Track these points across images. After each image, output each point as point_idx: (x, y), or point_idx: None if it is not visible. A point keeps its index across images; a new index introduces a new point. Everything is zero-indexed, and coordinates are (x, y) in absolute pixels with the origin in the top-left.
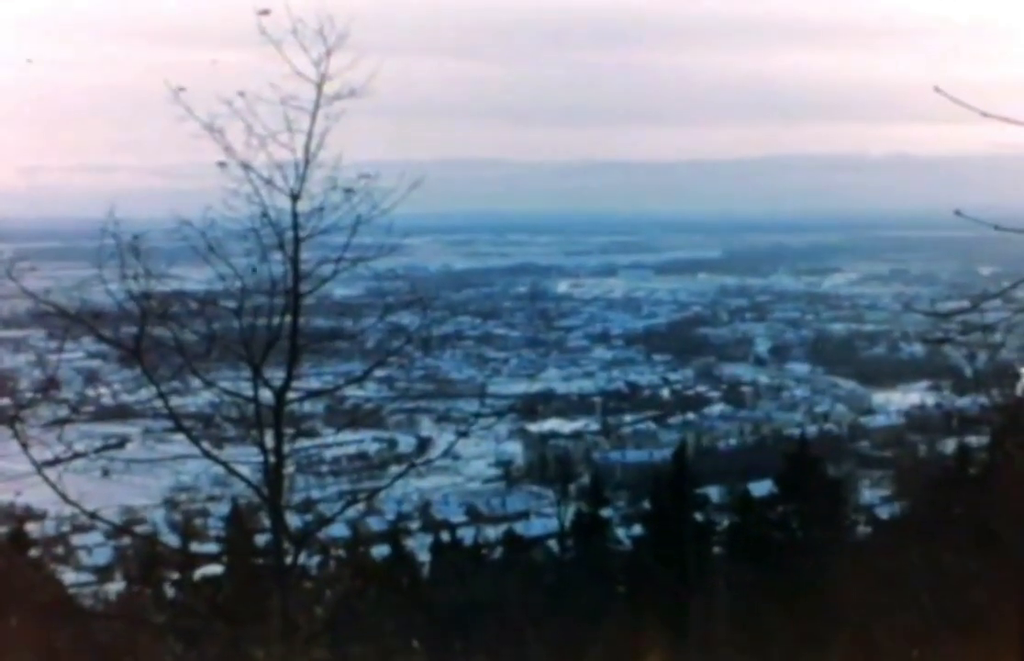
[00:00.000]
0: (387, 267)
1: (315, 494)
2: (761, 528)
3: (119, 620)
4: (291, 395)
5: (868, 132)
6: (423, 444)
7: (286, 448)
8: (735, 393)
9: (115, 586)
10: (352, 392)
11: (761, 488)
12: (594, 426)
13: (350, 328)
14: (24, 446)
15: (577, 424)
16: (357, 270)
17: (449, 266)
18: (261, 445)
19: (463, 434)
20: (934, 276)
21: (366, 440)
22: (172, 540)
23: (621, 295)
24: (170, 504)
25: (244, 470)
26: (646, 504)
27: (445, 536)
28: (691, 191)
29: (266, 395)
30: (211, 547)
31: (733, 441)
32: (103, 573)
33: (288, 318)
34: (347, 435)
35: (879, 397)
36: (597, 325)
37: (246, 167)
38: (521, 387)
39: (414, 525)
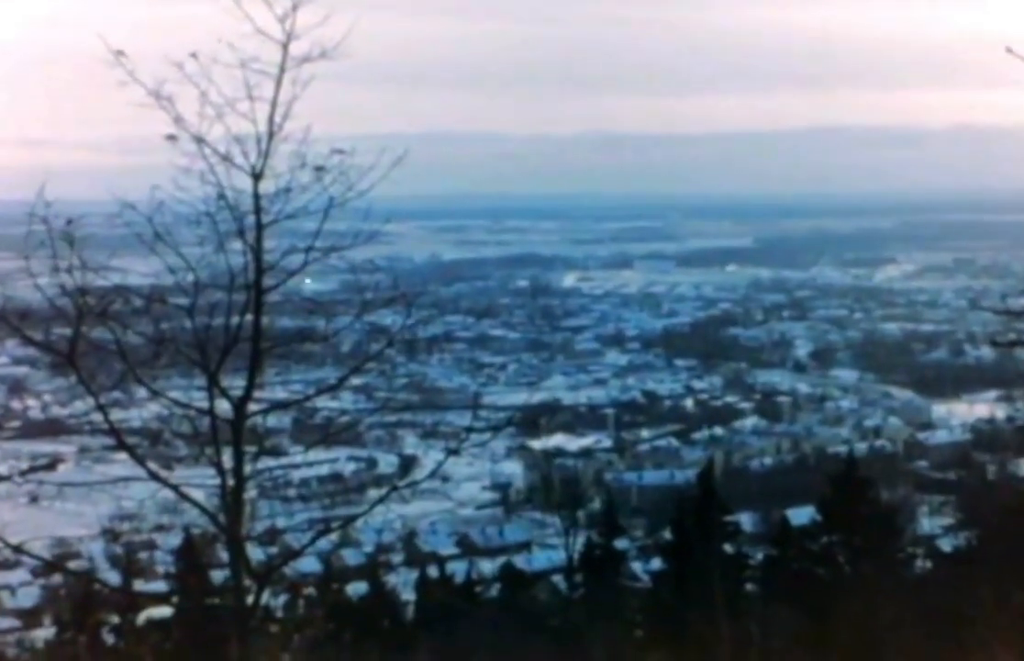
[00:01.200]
0: (365, 258)
1: (281, 522)
2: (802, 562)
3: None
4: (253, 407)
5: (928, 100)
6: (407, 464)
7: (247, 469)
8: (770, 404)
9: (43, 632)
10: (324, 403)
11: (801, 516)
12: (606, 442)
13: (322, 329)
14: None
15: (586, 440)
16: (330, 261)
17: (437, 256)
18: (218, 465)
19: (454, 452)
20: (1005, 268)
21: (340, 459)
22: (112, 578)
23: (637, 290)
24: (110, 535)
25: (198, 495)
26: (667, 534)
27: (433, 571)
28: (719, 169)
29: (223, 407)
30: (158, 586)
31: (768, 460)
32: (29, 617)
33: (249, 317)
34: (318, 453)
35: (940, 409)
36: (609, 325)
37: (199, 141)
38: (521, 397)
39: (397, 558)
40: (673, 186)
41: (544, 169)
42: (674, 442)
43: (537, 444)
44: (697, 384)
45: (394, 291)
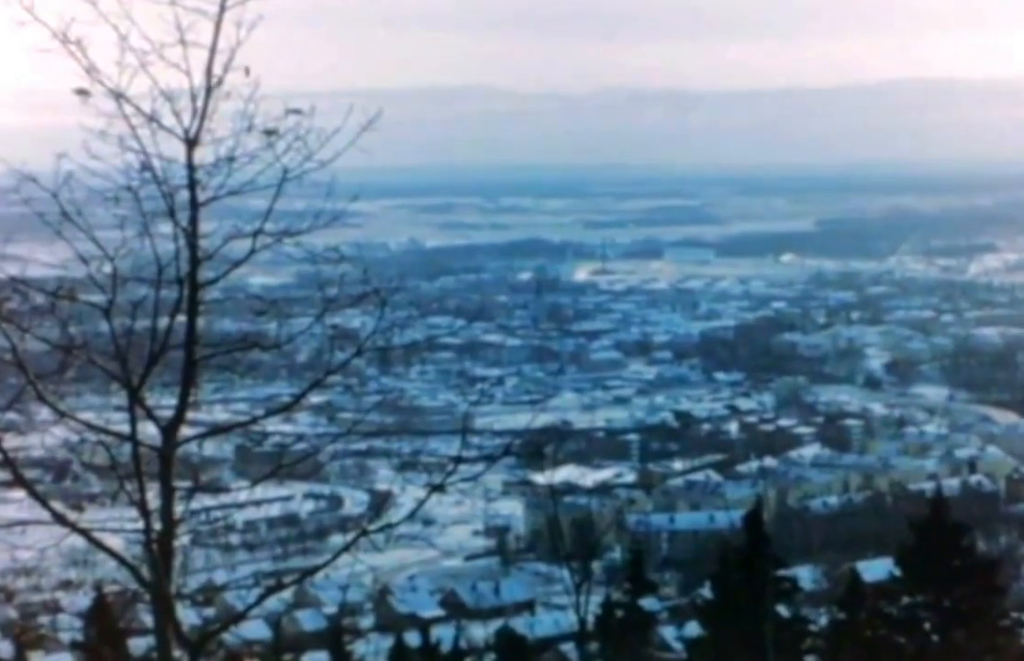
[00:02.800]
0: (328, 245)
1: (220, 577)
2: (877, 628)
3: None
4: (186, 431)
5: None
6: (379, 502)
7: (177, 509)
8: (835, 429)
9: None
10: (276, 427)
11: (876, 569)
12: (629, 476)
13: (273, 334)
14: None
15: (604, 473)
16: (283, 249)
17: (418, 243)
18: (141, 505)
19: (438, 488)
20: None
21: (296, 497)
22: (3, 649)
23: (668, 286)
24: (2, 595)
25: (115, 543)
26: (706, 592)
27: (412, 638)
28: (772, 133)
29: (149, 431)
30: (63, 659)
31: (833, 500)
32: None
33: (182, 318)
34: (268, 490)
35: None
36: (633, 329)
37: (118, 97)
38: (522, 419)
39: (366, 622)
40: (714, 155)
41: (553, 134)
42: (714, 476)
43: (542, 478)
44: (743, 403)
45: (364, 286)
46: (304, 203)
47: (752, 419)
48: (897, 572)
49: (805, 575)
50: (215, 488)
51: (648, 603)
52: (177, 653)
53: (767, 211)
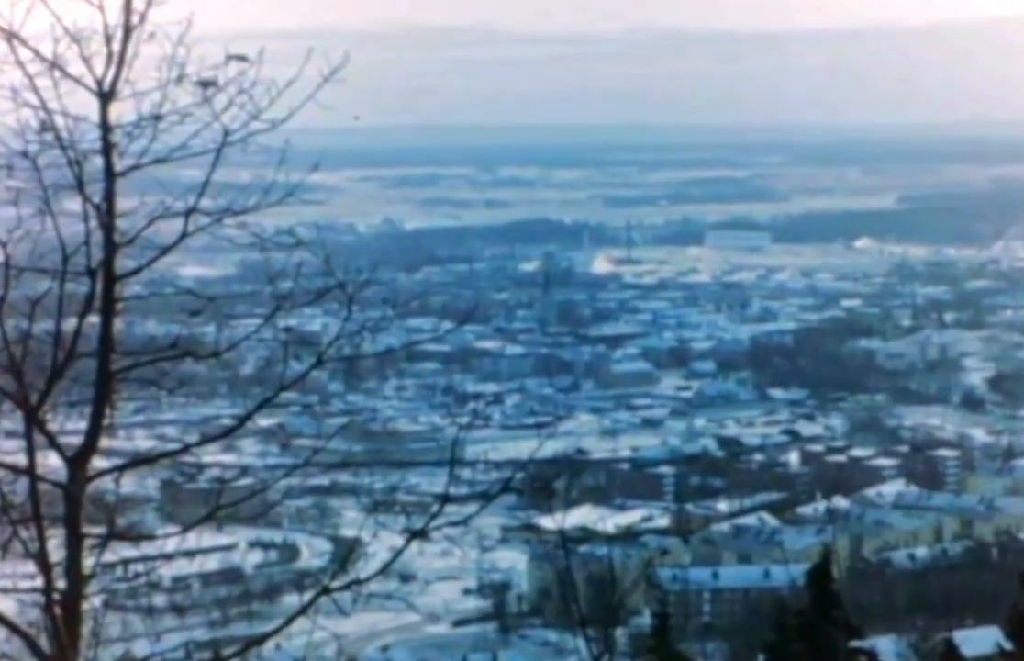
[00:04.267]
0: (280, 227)
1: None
2: None
3: None
4: (99, 463)
5: None
6: (345, 553)
7: (87, 562)
8: (924, 462)
9: None
10: (214, 457)
11: (979, 641)
12: (661, 520)
13: (210, 339)
14: None
15: (630, 516)
16: (224, 232)
17: (395, 224)
18: (40, 558)
19: (419, 534)
20: None
21: (240, 546)
22: None
23: (711, 279)
24: None
25: (5, 606)
26: None
27: None
28: (845, 85)
29: (52, 463)
30: None
31: (922, 551)
32: None
33: (94, 320)
34: (204, 537)
35: None
36: (666, 334)
37: (11, 37)
38: (526, 446)
39: None
40: (769, 114)
41: (564, 87)
42: (769, 520)
43: (551, 522)
44: (806, 428)
45: (326, 279)
46: (250, 174)
47: (817, 448)
48: (1007, 644)
49: (887, 647)
50: (136, 535)
51: None
52: None
53: (837, 184)
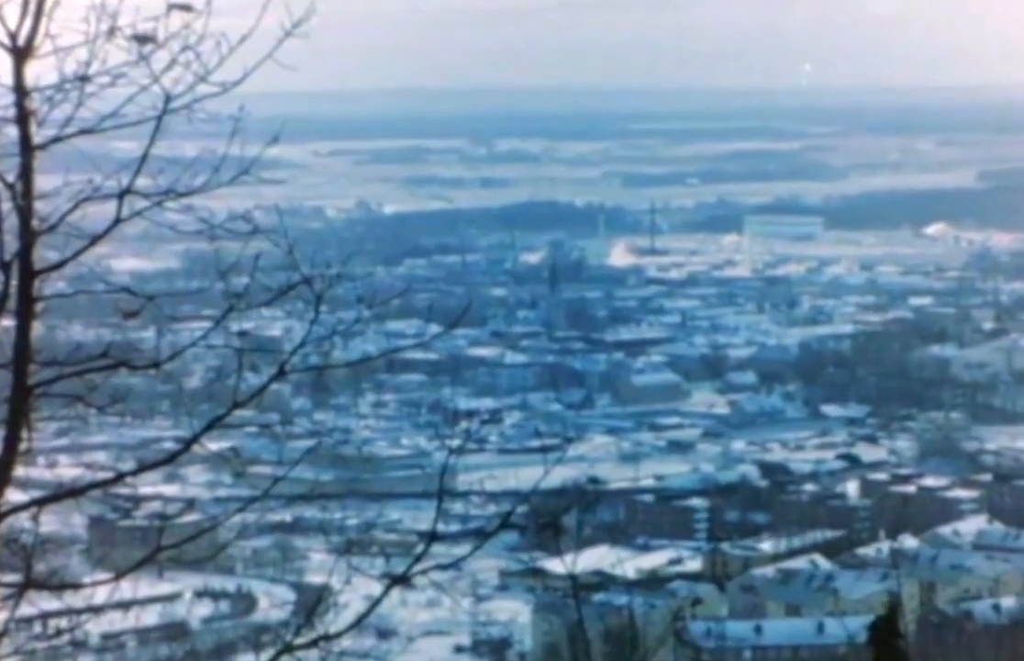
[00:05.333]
0: (234, 212)
1: None
2: None
3: None
4: (13, 496)
5: None
6: (311, 603)
7: None
8: (1011, 493)
9: None
10: (154, 489)
11: None
12: (692, 562)
13: (149, 346)
14: None
15: (655, 557)
16: (165, 218)
17: (372, 208)
18: None
19: (400, 580)
20: None
21: (185, 595)
22: None
23: (751, 273)
24: None
25: None
26: None
27: None
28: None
29: None
30: None
31: (1009, 602)
32: None
33: (8, 323)
34: (141, 585)
35: None
36: (698, 339)
37: None
38: (530, 474)
39: None
40: (822, 74)
41: (573, 42)
42: (823, 564)
43: (559, 566)
44: (867, 453)
45: (289, 274)
46: (197, 147)
47: (881, 476)
48: None
49: None
50: (58, 584)
51: None
52: None
53: (905, 159)
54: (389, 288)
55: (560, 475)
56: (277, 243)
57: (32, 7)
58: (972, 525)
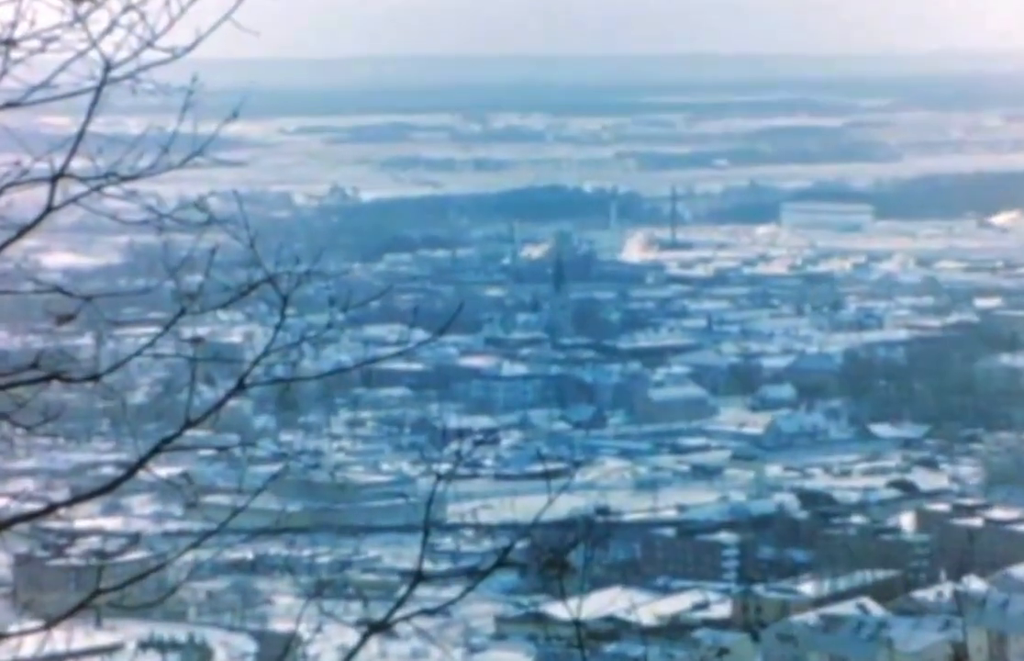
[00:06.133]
0: (186, 198)
1: None
2: None
3: None
4: None
5: None
6: (278, 655)
7: None
8: None
9: None
10: (92, 522)
11: None
12: (720, 607)
13: (87, 356)
14: None
15: (676, 601)
16: (105, 205)
17: (347, 195)
18: None
19: (380, 628)
20: None
21: (128, 647)
22: None
23: (788, 270)
24: None
25: None
26: None
27: None
28: None
29: None
30: None
31: None
32: None
33: None
34: (77, 634)
35: None
36: (726, 346)
37: None
38: (531, 504)
39: None
40: (872, 38)
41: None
42: (873, 608)
43: (564, 611)
44: (925, 480)
45: (250, 271)
46: (142, 124)
47: (941, 507)
48: None
49: None
50: None
51: None
52: None
53: (968, 136)
54: (367, 288)
55: (566, 505)
56: (236, 235)
57: None
58: None
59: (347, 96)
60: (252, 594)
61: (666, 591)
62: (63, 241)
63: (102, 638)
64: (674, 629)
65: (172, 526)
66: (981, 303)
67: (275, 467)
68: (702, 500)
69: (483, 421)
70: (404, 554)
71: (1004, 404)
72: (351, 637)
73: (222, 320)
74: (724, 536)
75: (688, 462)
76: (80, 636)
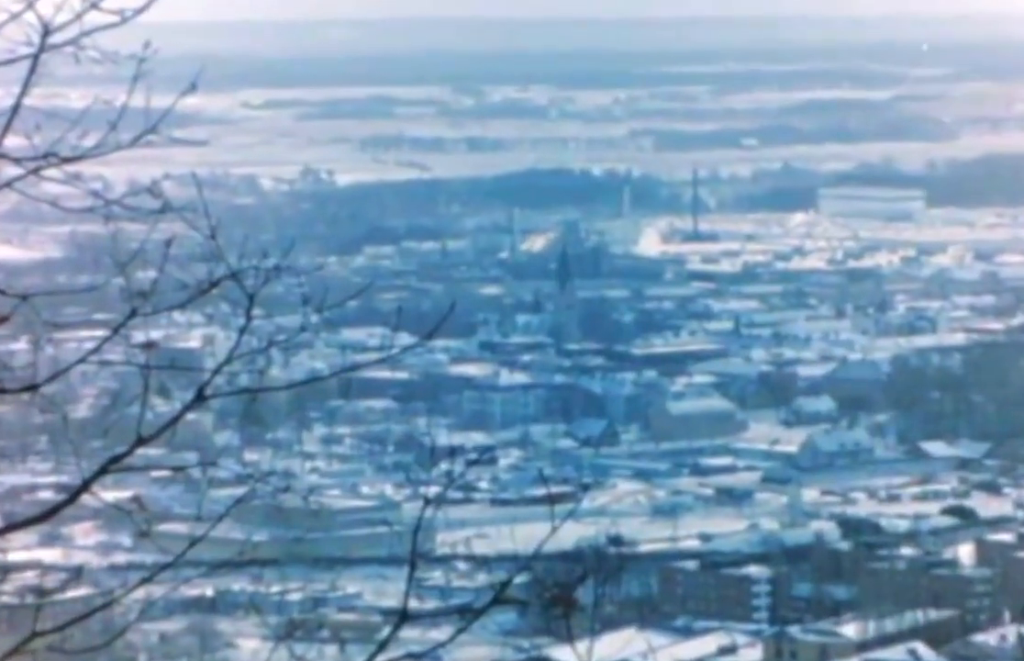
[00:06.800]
0: (137, 183)
1: None
2: None
3: None
4: None
5: None
6: None
7: None
8: None
9: None
10: (28, 553)
11: None
12: (749, 650)
13: (22, 366)
14: None
15: (699, 644)
16: (43, 189)
17: (322, 178)
18: None
19: None
20: None
21: None
22: None
23: (827, 264)
24: None
25: None
26: None
27: None
28: None
29: None
30: None
31: None
32: None
33: None
34: None
35: None
36: (755, 352)
37: None
38: (532, 532)
39: None
40: None
41: None
42: (925, 654)
43: (570, 654)
44: (986, 505)
45: (211, 267)
46: (86, 97)
47: (1004, 537)
48: None
49: None
50: None
51: None
52: None
53: None
54: (345, 285)
55: (573, 534)
56: (195, 225)
57: None
58: None
59: (321, 65)
60: (212, 636)
61: (688, 633)
62: None
63: None
64: None
65: (120, 558)
66: None
67: (239, 490)
68: (729, 528)
69: (478, 438)
70: (387, 590)
71: None
72: None
73: (179, 322)
74: (754, 570)
75: (712, 485)
76: None
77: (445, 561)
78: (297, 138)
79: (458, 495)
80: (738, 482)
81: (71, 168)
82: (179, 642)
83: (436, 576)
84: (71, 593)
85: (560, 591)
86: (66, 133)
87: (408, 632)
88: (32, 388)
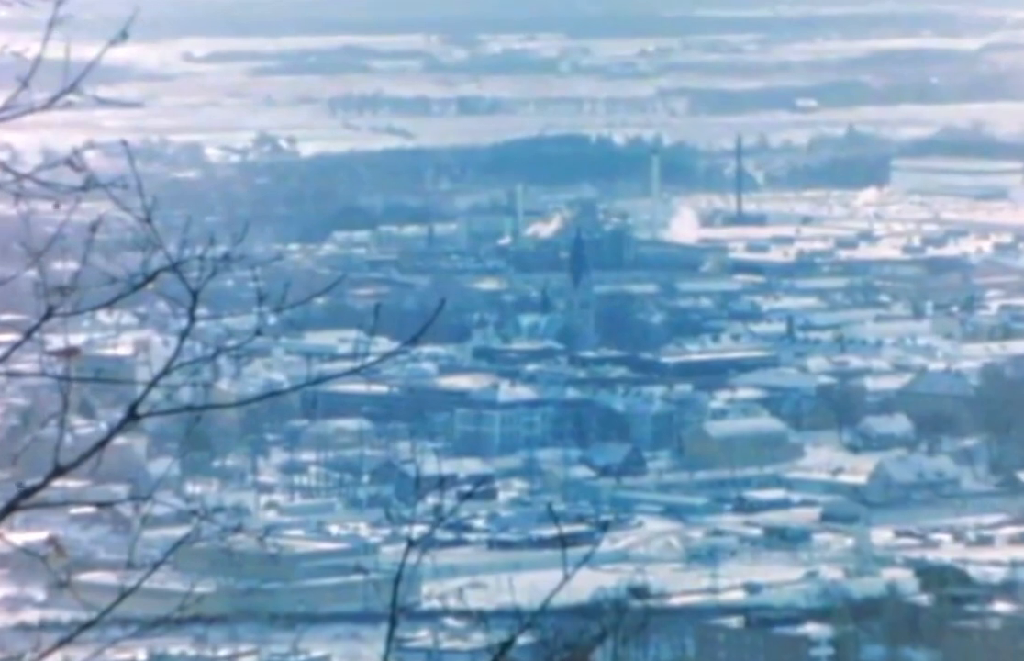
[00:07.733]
0: (56, 153)
1: None
2: None
3: None
4: None
5: None
6: None
7: None
8: None
9: None
10: None
11: None
12: None
13: None
14: None
15: None
16: None
17: (282, 147)
18: None
19: None
20: None
21: None
22: None
23: (902, 253)
24: None
25: None
26: None
27: None
28: None
29: None
30: None
31: None
32: None
33: None
34: None
35: None
36: (811, 361)
37: None
38: (540, 580)
39: None
40: None
41: None
42: None
43: None
44: None
45: (146, 255)
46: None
47: None
48: None
49: None
50: None
51: None
52: None
53: None
54: (310, 279)
55: (589, 583)
56: (126, 205)
57: None
58: None
59: (279, 9)
60: None
61: None
62: None
63: None
64: None
65: (32, 615)
66: None
67: (179, 531)
68: (781, 577)
69: (472, 465)
70: (361, 653)
71: None
72: None
73: (105, 325)
74: (812, 629)
75: (761, 523)
76: None
77: (432, 617)
78: (250, 98)
79: (448, 536)
80: (792, 520)
81: None
82: None
83: (422, 635)
84: None
85: (573, 653)
86: None
87: None
88: None
